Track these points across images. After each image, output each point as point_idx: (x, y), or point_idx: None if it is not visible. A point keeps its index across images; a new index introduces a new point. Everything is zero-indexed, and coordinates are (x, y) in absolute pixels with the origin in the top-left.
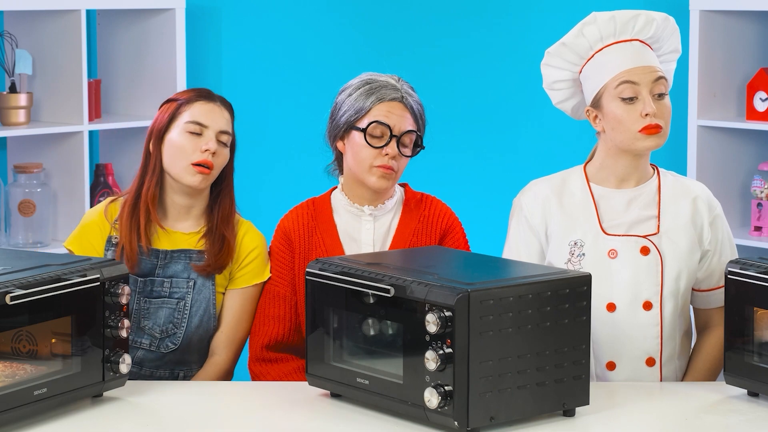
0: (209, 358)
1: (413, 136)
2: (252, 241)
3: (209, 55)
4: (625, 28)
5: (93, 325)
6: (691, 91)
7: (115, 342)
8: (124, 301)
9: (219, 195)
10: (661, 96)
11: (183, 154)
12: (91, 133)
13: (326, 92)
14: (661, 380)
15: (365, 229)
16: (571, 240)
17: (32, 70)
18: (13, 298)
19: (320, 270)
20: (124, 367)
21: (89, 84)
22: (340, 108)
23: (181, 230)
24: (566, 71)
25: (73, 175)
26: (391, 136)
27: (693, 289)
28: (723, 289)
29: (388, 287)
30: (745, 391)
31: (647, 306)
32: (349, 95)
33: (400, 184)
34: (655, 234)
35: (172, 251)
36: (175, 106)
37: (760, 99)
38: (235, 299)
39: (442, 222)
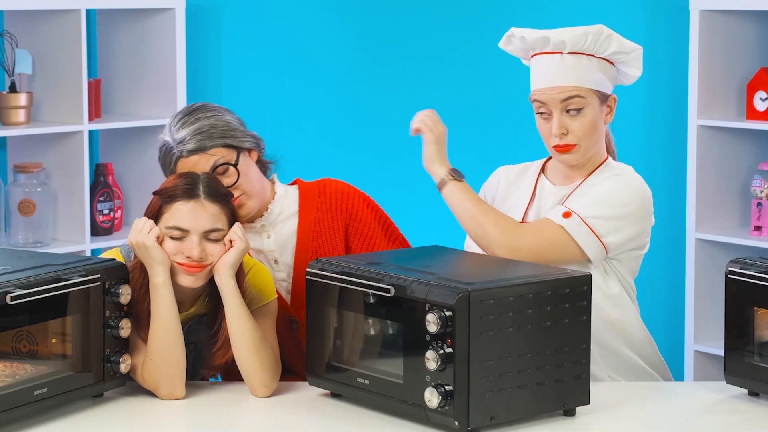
0: None
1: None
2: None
3: (209, 54)
4: (537, 45)
5: (93, 325)
6: (691, 90)
7: (115, 342)
8: (124, 301)
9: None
10: (577, 112)
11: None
12: (91, 132)
13: (326, 92)
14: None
15: (266, 242)
16: None
17: (32, 70)
18: (13, 298)
19: (320, 269)
20: (124, 367)
21: (89, 84)
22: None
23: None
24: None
25: (73, 174)
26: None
27: None
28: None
29: (389, 287)
30: (746, 390)
31: None
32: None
33: (291, 183)
34: None
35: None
36: (157, 205)
37: (760, 99)
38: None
39: (342, 201)
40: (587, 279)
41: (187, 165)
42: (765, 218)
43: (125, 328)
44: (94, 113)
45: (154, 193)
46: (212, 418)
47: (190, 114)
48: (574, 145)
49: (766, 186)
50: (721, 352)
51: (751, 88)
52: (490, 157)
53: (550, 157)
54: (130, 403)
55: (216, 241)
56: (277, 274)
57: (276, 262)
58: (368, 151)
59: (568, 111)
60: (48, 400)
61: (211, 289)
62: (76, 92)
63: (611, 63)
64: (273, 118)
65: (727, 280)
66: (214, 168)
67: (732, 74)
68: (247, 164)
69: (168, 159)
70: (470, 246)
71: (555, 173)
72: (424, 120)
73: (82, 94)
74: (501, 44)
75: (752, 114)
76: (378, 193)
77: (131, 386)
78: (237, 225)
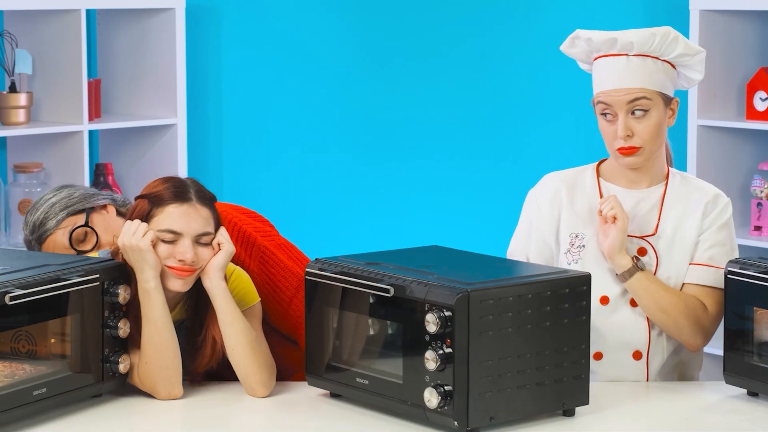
0: None
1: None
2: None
3: (209, 54)
4: (603, 47)
5: (92, 325)
6: (691, 90)
7: (114, 342)
8: (122, 301)
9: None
10: (643, 113)
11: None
12: (90, 132)
13: (326, 92)
14: (647, 374)
15: None
16: (573, 232)
17: (32, 70)
18: (12, 298)
19: (320, 270)
20: (123, 367)
21: (89, 84)
22: None
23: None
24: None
25: (73, 174)
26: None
27: None
28: (699, 267)
29: (388, 287)
30: (745, 390)
31: (634, 303)
32: None
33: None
34: (652, 235)
35: None
36: (147, 208)
37: (760, 99)
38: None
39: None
40: (587, 279)
41: (48, 247)
42: (765, 218)
43: (124, 328)
44: (94, 113)
45: (140, 197)
46: (211, 418)
47: (31, 210)
48: (639, 147)
49: (766, 186)
50: (721, 352)
51: (751, 88)
52: (489, 157)
53: (603, 160)
54: (128, 403)
55: (206, 245)
56: None
57: None
58: (368, 150)
59: (633, 113)
60: (47, 400)
61: (190, 294)
62: (76, 92)
63: (673, 66)
64: (273, 118)
65: (727, 280)
66: (70, 236)
67: (732, 74)
68: (106, 220)
69: (32, 250)
70: (513, 254)
71: (616, 176)
72: (618, 206)
73: (82, 94)
74: (563, 47)
75: (752, 114)
76: (378, 194)
77: (130, 386)
78: (223, 228)
